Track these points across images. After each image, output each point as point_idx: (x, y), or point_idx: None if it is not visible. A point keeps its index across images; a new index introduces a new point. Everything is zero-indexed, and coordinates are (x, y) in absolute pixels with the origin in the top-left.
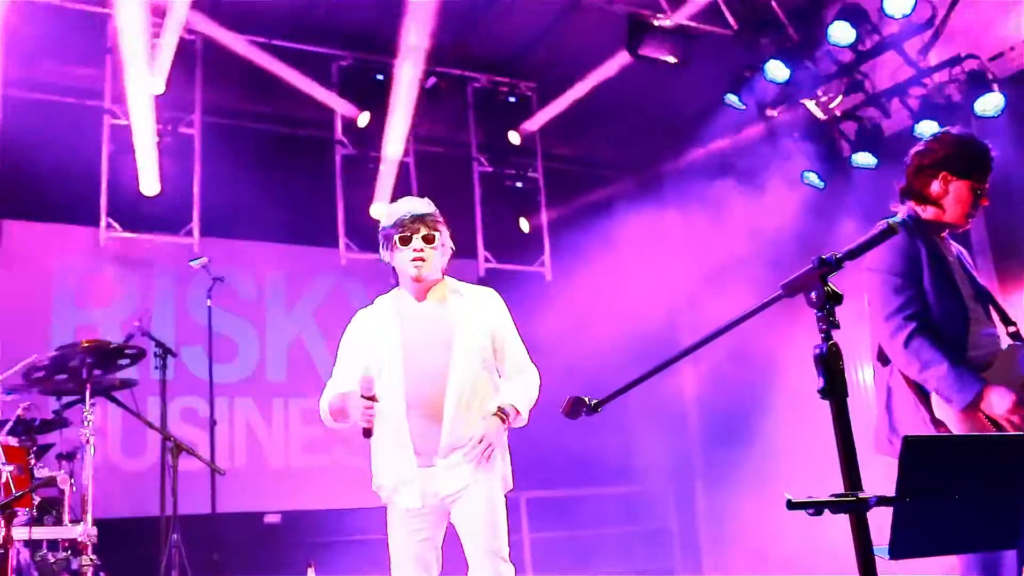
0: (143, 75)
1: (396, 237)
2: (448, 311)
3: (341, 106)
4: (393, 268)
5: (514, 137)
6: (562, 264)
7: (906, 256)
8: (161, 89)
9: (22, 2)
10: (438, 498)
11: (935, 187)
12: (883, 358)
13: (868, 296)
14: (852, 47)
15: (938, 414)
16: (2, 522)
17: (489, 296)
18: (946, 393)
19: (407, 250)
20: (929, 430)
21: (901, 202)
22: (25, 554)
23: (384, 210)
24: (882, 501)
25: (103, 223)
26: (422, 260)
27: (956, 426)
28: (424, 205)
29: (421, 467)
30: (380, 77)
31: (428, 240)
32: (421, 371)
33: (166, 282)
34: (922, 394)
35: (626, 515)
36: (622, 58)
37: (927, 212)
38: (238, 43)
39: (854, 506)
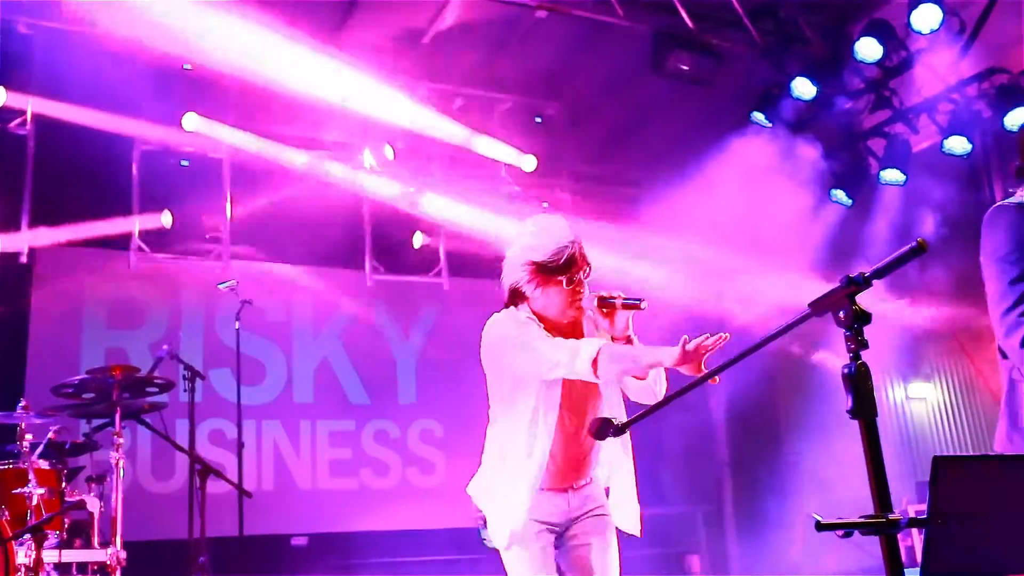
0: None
1: (564, 277)
2: None
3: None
4: (515, 292)
5: (528, 163)
6: None
7: (1023, 236)
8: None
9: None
10: None
11: None
12: (1004, 352)
13: (986, 287)
14: (879, 63)
15: None
16: (33, 545)
17: None
18: None
19: (570, 289)
20: None
21: (1018, 183)
22: None
23: (531, 231)
24: (913, 523)
25: (134, 246)
26: (581, 300)
27: None
28: (574, 232)
29: None
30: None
31: (586, 278)
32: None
33: (195, 305)
34: None
35: (651, 538)
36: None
37: None
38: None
39: (884, 528)
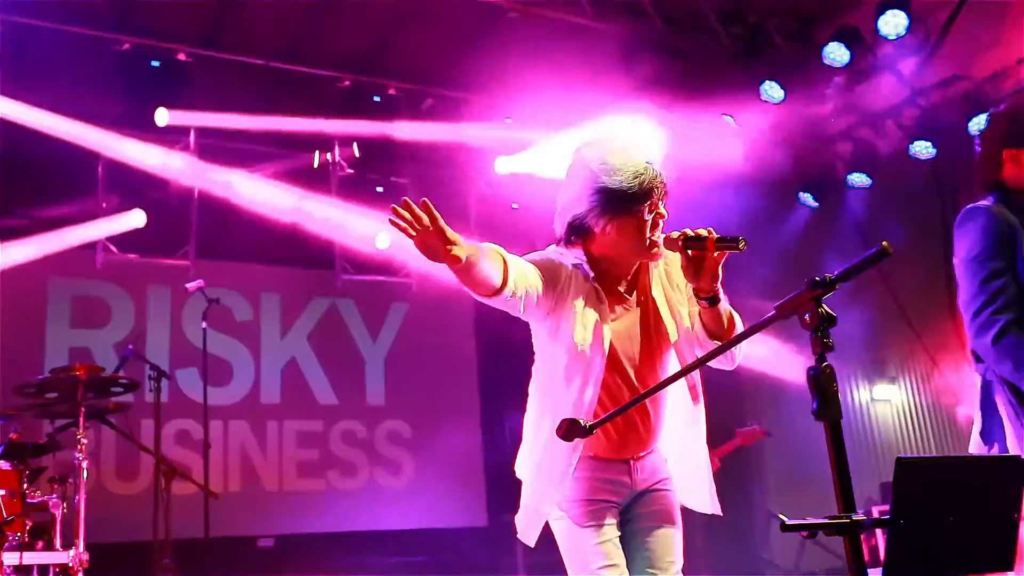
0: None
1: (645, 206)
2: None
3: (338, 128)
4: (575, 229)
5: (503, 166)
6: None
7: (995, 237)
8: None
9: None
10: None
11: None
12: (977, 355)
13: (959, 289)
14: (847, 68)
15: None
16: None
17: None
18: None
19: (650, 221)
20: None
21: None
22: None
23: (597, 149)
24: (876, 523)
25: (100, 244)
26: (658, 238)
27: None
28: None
29: None
30: (378, 99)
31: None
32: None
33: (161, 304)
34: (1019, 395)
35: None
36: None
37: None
38: (236, 63)
39: (848, 528)
